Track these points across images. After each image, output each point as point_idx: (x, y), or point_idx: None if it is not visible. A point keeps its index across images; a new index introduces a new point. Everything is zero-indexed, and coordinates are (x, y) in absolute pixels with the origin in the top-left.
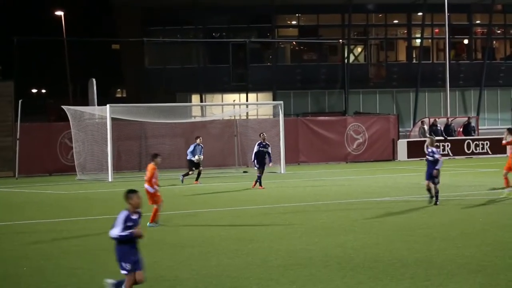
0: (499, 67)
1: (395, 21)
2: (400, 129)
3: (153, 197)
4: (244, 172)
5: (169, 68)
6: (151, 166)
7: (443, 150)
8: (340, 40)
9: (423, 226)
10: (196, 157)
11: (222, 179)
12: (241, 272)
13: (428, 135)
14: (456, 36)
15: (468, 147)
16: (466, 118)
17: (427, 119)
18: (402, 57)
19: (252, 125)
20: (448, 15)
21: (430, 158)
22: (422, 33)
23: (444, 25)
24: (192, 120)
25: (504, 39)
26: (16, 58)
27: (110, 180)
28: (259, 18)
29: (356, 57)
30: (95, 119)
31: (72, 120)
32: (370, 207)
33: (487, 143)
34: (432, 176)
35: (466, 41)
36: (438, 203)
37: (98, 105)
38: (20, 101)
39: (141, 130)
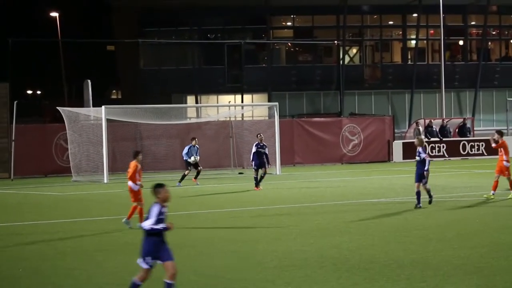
0: (494, 68)
1: (390, 22)
2: (396, 130)
3: (137, 195)
4: (240, 173)
5: (164, 69)
6: (133, 163)
7: (439, 151)
8: (335, 41)
9: (419, 227)
10: (192, 158)
11: (218, 180)
12: (237, 273)
13: (417, 136)
14: (451, 37)
15: (464, 148)
16: (462, 119)
17: (422, 120)
18: (397, 58)
19: (247, 126)
20: (443, 16)
21: (417, 158)
22: (417, 34)
23: (439, 26)
24: (188, 121)
25: (499, 40)
26: (11, 59)
27: (105, 181)
28: (254, 20)
29: (351, 58)
30: (91, 121)
31: (67, 122)
32: (366, 208)
33: (482, 144)
34: (420, 177)
35: (461, 42)
36: (432, 200)
37: (94, 106)
38: (15, 102)
39: (136, 131)
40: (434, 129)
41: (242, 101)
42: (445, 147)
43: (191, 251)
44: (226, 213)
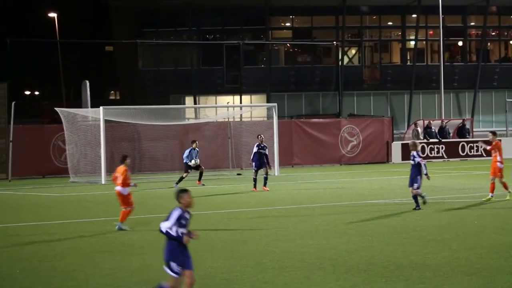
0: (493, 69)
1: (389, 23)
2: (395, 131)
3: (127, 199)
4: (238, 174)
5: (163, 70)
6: (123, 168)
7: (438, 152)
8: (334, 42)
9: (417, 228)
10: (193, 161)
11: (216, 181)
12: (236, 274)
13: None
14: (450, 38)
15: (463, 149)
16: (461, 120)
17: (421, 121)
18: (397, 59)
19: (246, 127)
20: (442, 17)
21: (411, 162)
22: (416, 35)
23: (439, 27)
24: (186, 122)
25: (499, 41)
26: (9, 59)
27: (103, 182)
28: (253, 20)
29: (350, 59)
30: (89, 121)
31: (66, 122)
32: (364, 210)
33: (481, 146)
34: (413, 181)
35: (460, 43)
36: (425, 201)
37: (92, 107)
38: (13, 103)
39: (135, 132)
40: (433, 130)
41: (240, 102)
42: (444, 148)
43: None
44: (225, 214)
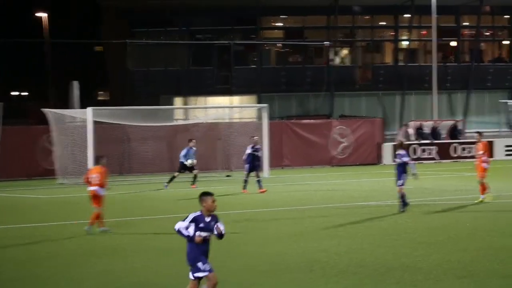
0: (487, 70)
1: (382, 23)
2: (386, 133)
3: (101, 200)
4: (227, 176)
5: (153, 70)
6: (99, 168)
7: (430, 153)
8: (326, 42)
9: (408, 230)
10: (189, 161)
11: (206, 183)
12: (227, 276)
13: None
14: (443, 38)
15: (455, 150)
16: (453, 121)
17: (412, 122)
18: (389, 59)
19: (236, 128)
20: (435, 17)
21: (398, 160)
22: (409, 35)
23: (432, 27)
24: (175, 123)
25: (492, 41)
26: None
27: None
28: (244, 20)
29: (342, 60)
30: (77, 122)
31: (53, 123)
32: (355, 212)
33: (474, 147)
34: (399, 179)
35: (453, 43)
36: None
37: (81, 107)
38: (1, 104)
39: (124, 133)
40: (426, 131)
41: (231, 103)
42: (436, 149)
43: (182, 254)
44: None
